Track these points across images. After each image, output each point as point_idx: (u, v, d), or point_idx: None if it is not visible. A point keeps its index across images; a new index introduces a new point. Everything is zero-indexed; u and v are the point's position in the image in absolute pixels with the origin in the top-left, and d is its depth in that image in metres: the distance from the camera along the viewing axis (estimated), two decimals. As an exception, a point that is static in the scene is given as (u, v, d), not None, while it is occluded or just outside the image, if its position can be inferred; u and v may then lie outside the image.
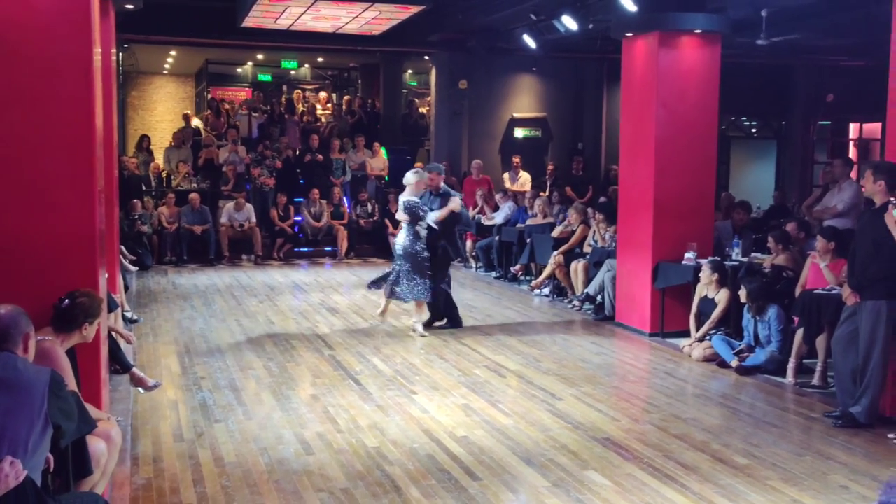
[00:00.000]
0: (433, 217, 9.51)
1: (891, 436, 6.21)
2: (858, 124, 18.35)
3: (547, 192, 14.68)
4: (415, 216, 9.40)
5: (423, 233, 9.47)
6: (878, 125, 16.10)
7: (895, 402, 6.50)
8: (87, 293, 4.44)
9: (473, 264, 14.61)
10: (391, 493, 5.12)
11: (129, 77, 22.56)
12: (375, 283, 9.85)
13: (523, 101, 18.34)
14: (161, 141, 19.52)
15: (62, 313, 4.36)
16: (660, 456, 5.83)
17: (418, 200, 9.50)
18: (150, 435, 6.11)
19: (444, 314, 9.93)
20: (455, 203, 9.69)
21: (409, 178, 9.63)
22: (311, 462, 5.60)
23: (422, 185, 9.63)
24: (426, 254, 9.46)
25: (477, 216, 14.55)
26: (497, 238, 13.84)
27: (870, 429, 6.39)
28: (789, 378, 7.79)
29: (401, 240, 9.49)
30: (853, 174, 10.50)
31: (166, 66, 23.06)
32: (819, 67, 17.56)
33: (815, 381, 7.65)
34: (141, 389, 6.65)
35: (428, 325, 9.68)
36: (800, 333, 7.71)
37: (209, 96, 21.97)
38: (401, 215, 9.52)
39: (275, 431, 6.21)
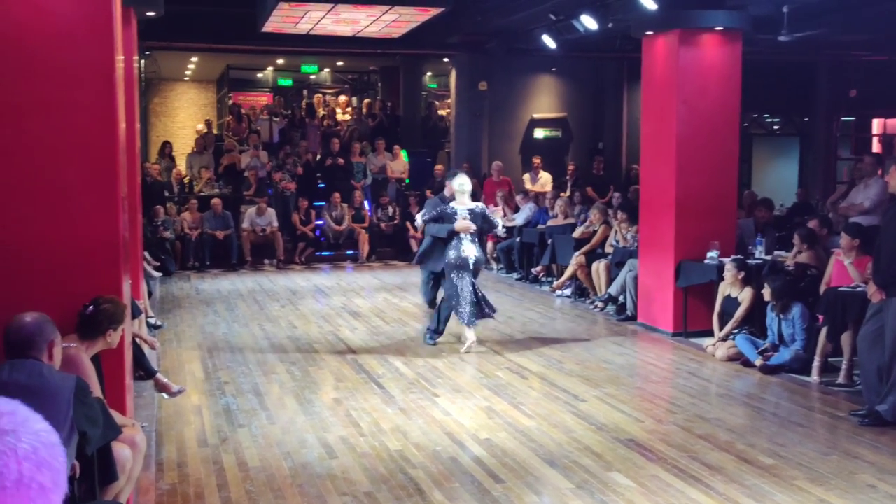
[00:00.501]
0: (501, 223, 9.44)
1: (919, 434, 6.15)
2: (882, 120, 18.17)
3: (568, 193, 14.64)
4: (489, 223, 9.00)
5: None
6: (902, 120, 15.96)
7: (923, 401, 6.41)
8: (111, 299, 4.47)
9: (494, 266, 14.60)
10: (414, 497, 5.12)
11: (152, 84, 22.74)
12: (484, 314, 8.97)
13: (543, 102, 18.30)
14: (183, 147, 19.66)
15: (87, 320, 4.39)
16: (684, 456, 5.79)
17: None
18: (175, 440, 6.15)
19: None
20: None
21: (468, 183, 8.97)
22: (334, 466, 5.62)
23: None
24: None
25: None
26: (518, 239, 13.81)
27: (897, 427, 6.33)
28: (814, 377, 7.72)
29: (472, 253, 8.71)
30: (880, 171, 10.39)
31: (188, 72, 23.22)
32: (841, 63, 17.41)
33: (841, 379, 7.59)
34: (165, 395, 6.70)
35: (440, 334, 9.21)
36: (824, 331, 7.65)
37: (230, 102, 22.10)
38: (465, 224, 8.69)
39: (298, 436, 6.23)
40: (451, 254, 8.67)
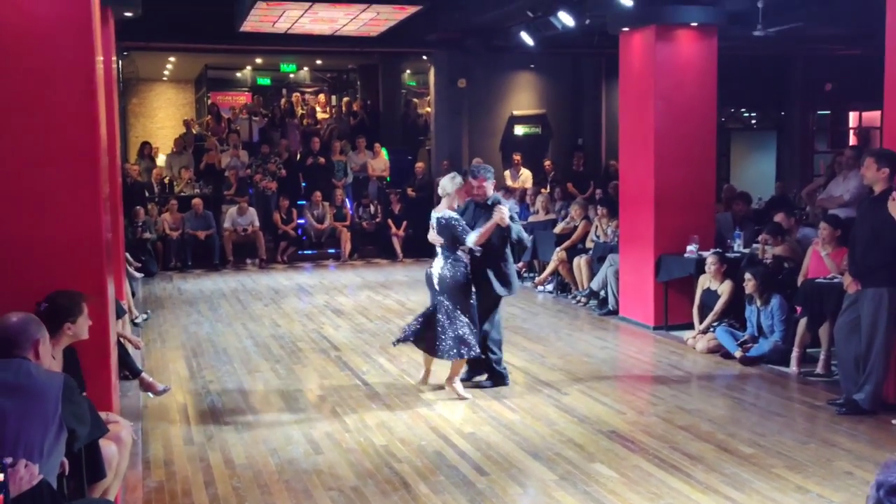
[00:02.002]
0: (472, 239, 7.05)
1: (894, 421, 6.26)
2: (858, 113, 18.36)
3: (548, 189, 14.72)
4: (454, 237, 7.12)
5: (466, 259, 7.18)
6: (877, 113, 16.10)
7: (898, 389, 6.54)
8: (67, 293, 4.40)
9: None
10: (400, 490, 5.17)
11: (130, 84, 22.61)
12: (407, 337, 7.31)
13: (522, 99, 18.38)
14: (163, 148, 19.59)
15: (42, 317, 4.33)
16: (665, 447, 5.87)
17: (457, 216, 7.17)
18: (161, 439, 6.17)
19: (485, 366, 7.54)
20: (501, 215, 7.08)
21: (446, 185, 7.22)
22: (320, 461, 5.66)
23: (462, 195, 7.38)
24: (471, 284, 7.28)
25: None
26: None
27: (873, 415, 6.44)
28: (793, 367, 7.83)
29: (437, 269, 7.18)
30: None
31: (166, 72, 23.12)
32: (817, 57, 17.58)
33: (819, 369, 7.70)
34: (150, 394, 6.72)
35: (466, 379, 7.45)
36: (803, 323, 7.76)
37: (209, 101, 22.03)
38: (433, 237, 7.27)
39: (284, 432, 6.27)
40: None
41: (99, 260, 4.82)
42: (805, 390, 7.36)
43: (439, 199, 7.33)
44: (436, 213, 7.24)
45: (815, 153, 18.50)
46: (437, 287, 7.16)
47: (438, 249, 7.25)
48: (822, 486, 5.17)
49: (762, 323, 8.21)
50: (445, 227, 7.11)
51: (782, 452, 5.76)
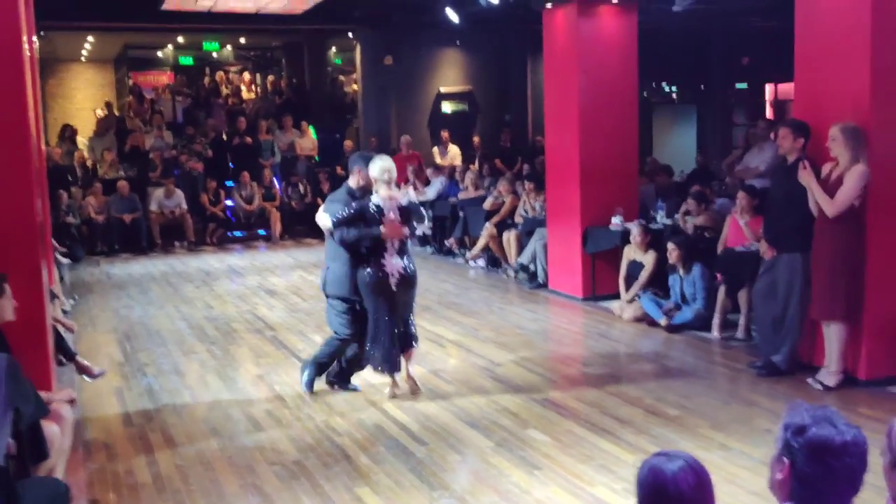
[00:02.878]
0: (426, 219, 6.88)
1: (809, 380, 6.59)
2: (774, 85, 18.93)
3: (476, 166, 14.88)
4: (420, 217, 6.60)
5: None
6: (792, 85, 16.65)
7: (812, 349, 6.87)
8: None
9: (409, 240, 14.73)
10: (342, 462, 5.30)
11: (47, 65, 21.99)
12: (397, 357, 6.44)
13: (449, 75, 18.48)
14: (83, 130, 19.17)
15: None
16: (596, 412, 6.11)
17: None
18: (100, 422, 6.18)
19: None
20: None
21: (394, 170, 6.52)
22: (262, 438, 5.75)
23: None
24: None
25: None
26: (430, 213, 14.00)
27: (791, 375, 6.77)
28: (715, 333, 8.16)
29: (406, 264, 6.40)
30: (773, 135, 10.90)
31: (84, 52, 22.54)
32: (735, 31, 18.04)
33: (740, 334, 8.04)
34: (86, 377, 6.68)
35: (345, 381, 6.79)
36: (723, 289, 8.08)
37: (131, 82, 21.60)
38: (395, 228, 6.33)
39: (223, 411, 6.32)
40: (369, 271, 6.32)
41: (32, 243, 4.82)
42: (727, 354, 7.68)
43: (362, 186, 6.51)
44: (398, 199, 6.36)
45: (735, 125, 19.04)
46: (410, 280, 6.39)
47: (392, 244, 6.32)
48: (743, 442, 5.45)
49: (685, 291, 8.51)
50: (416, 212, 6.52)
51: (706, 413, 6.04)
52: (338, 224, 6.30)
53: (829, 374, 6.51)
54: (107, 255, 14.38)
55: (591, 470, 5.09)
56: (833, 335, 6.49)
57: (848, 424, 2.27)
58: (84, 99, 23.20)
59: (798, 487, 2.26)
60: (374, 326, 6.34)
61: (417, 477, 5.05)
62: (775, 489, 2.34)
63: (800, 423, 2.29)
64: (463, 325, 8.88)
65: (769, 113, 18.51)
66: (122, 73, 23.04)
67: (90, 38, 20.59)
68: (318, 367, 6.68)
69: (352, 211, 6.29)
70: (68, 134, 17.03)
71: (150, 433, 5.89)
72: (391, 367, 6.38)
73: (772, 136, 10.69)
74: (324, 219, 6.48)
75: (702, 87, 19.77)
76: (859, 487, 2.27)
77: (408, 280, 6.38)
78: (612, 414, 6.06)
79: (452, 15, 13.46)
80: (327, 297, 6.63)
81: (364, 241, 6.29)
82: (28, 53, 5.10)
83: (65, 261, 12.84)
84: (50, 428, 4.11)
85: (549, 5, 10.09)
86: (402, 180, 14.85)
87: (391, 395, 6.52)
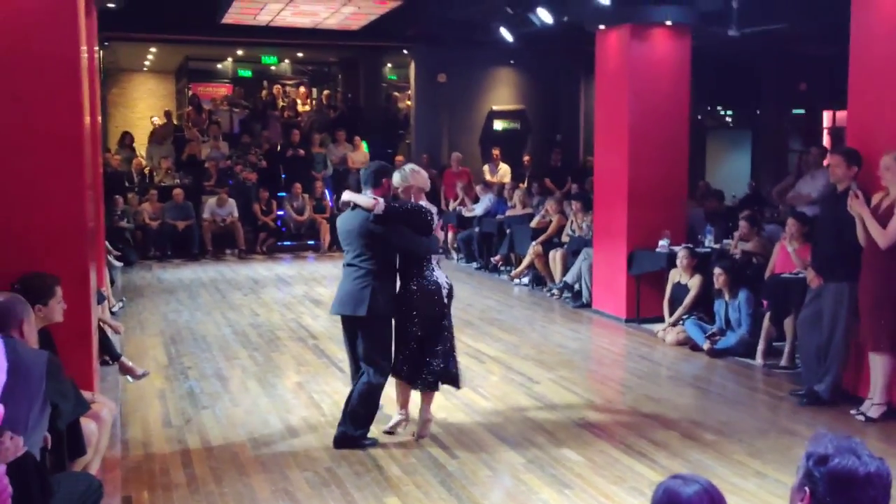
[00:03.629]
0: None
1: (853, 412, 6.47)
2: (832, 112, 18.64)
3: (525, 184, 14.90)
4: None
5: None
6: (849, 113, 16.39)
7: (857, 380, 6.76)
8: (39, 275, 4.49)
9: (455, 256, 14.82)
10: (373, 471, 5.34)
11: (110, 74, 22.60)
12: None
13: (502, 94, 18.54)
14: (143, 138, 19.63)
15: None
16: (632, 434, 6.06)
17: None
18: (140, 422, 6.30)
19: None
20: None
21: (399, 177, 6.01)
22: (296, 444, 5.82)
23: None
24: None
25: (458, 208, 14.80)
26: (477, 229, 14.05)
27: (833, 405, 6.66)
28: (758, 360, 8.05)
29: (444, 279, 5.94)
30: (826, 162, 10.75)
31: (146, 62, 23.12)
32: (791, 56, 17.83)
33: (783, 361, 7.92)
34: (130, 378, 6.84)
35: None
36: (768, 316, 7.98)
37: (190, 92, 22.07)
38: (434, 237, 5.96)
39: (261, 417, 6.41)
40: (428, 282, 5.85)
41: (82, 246, 4.95)
42: (769, 381, 7.58)
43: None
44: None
45: (790, 151, 18.77)
46: (446, 301, 5.90)
47: (434, 258, 5.96)
48: (779, 471, 5.37)
49: (730, 316, 8.42)
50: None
51: (744, 440, 5.96)
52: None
53: (873, 405, 6.39)
54: (159, 260, 14.67)
55: (622, 492, 5.06)
56: (878, 366, 6.37)
57: (871, 456, 2.24)
58: (145, 108, 23.76)
59: (818, 517, 2.23)
60: (405, 343, 5.84)
61: (447, 490, 5.07)
62: (795, 518, 2.31)
63: (823, 452, 2.26)
64: (504, 342, 8.88)
65: (826, 140, 18.22)
66: (182, 83, 23.55)
67: (152, 50, 21.10)
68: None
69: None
70: (127, 141, 17.44)
71: (188, 435, 6.00)
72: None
73: (825, 163, 10.56)
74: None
75: (757, 111, 19.54)
76: (882, 520, 2.24)
77: (451, 293, 5.97)
78: (647, 437, 6.01)
79: (506, 34, 13.55)
80: (373, 319, 5.72)
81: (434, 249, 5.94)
82: (86, 63, 5.26)
83: (118, 264, 13.15)
84: (88, 426, 4.22)
85: (601, 27, 10.11)
86: (451, 196, 15.14)
87: (392, 430, 5.98)
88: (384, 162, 6.77)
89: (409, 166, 6.14)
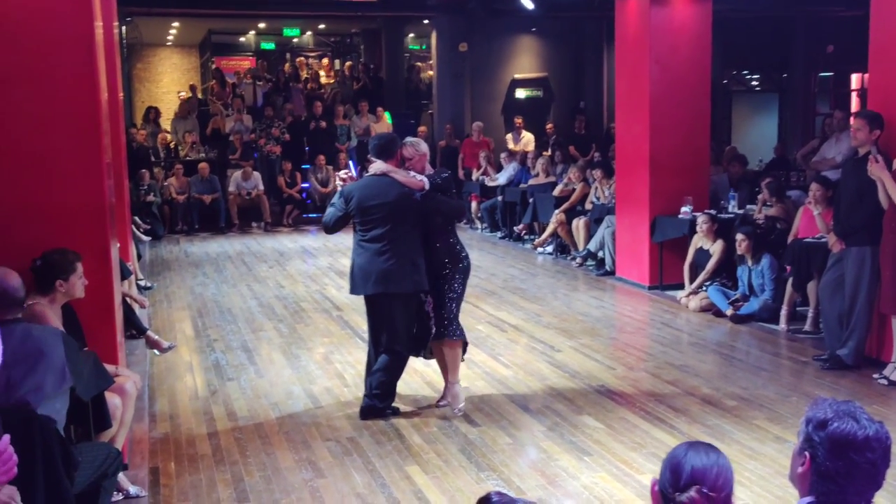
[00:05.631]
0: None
1: (875, 376, 6.45)
2: (860, 75, 18.35)
3: (549, 152, 14.84)
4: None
5: None
6: (878, 75, 16.12)
7: (880, 344, 6.72)
8: (60, 251, 4.55)
9: (479, 225, 14.84)
10: (395, 440, 5.41)
11: (134, 49, 22.72)
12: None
13: (524, 62, 18.44)
14: (168, 112, 19.75)
15: (37, 273, 4.47)
16: (652, 400, 6.09)
17: None
18: (167, 394, 6.42)
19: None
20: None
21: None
22: (319, 414, 5.90)
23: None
24: None
25: (481, 177, 14.78)
26: (501, 199, 14.05)
27: (856, 370, 6.64)
28: (782, 325, 8.02)
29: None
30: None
31: (170, 37, 23.21)
32: (818, 19, 17.56)
33: (807, 326, 7.89)
34: (156, 351, 6.95)
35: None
36: (791, 281, 7.93)
37: (214, 66, 22.13)
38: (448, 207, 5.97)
39: (285, 388, 6.51)
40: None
41: (102, 222, 5.01)
42: (792, 347, 7.56)
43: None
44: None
45: (817, 115, 18.53)
46: (467, 265, 6.02)
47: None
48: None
49: (753, 282, 8.39)
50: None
51: (764, 405, 5.97)
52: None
53: (896, 369, 6.37)
54: (186, 234, 14.82)
55: (640, 458, 5.10)
56: (901, 330, 6.34)
57: (871, 419, 2.25)
58: (170, 82, 23.88)
59: (818, 481, 2.24)
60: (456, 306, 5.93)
61: (467, 457, 5.13)
62: (796, 482, 2.34)
63: (822, 417, 2.27)
64: (526, 311, 8.91)
65: (855, 103, 17.95)
66: (205, 57, 23.62)
67: (175, 24, 21.16)
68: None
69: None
70: (152, 116, 17.55)
71: (214, 406, 6.11)
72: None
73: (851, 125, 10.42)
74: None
75: (784, 75, 19.29)
76: (881, 483, 2.25)
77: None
78: (668, 403, 6.03)
79: (527, 2, 13.46)
80: (412, 294, 5.80)
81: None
82: (101, 39, 5.29)
83: (146, 238, 13.30)
84: (112, 400, 4.31)
85: (621, -9, 10.00)
86: (474, 165, 15.13)
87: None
88: (392, 133, 6.88)
89: (412, 138, 6.19)
